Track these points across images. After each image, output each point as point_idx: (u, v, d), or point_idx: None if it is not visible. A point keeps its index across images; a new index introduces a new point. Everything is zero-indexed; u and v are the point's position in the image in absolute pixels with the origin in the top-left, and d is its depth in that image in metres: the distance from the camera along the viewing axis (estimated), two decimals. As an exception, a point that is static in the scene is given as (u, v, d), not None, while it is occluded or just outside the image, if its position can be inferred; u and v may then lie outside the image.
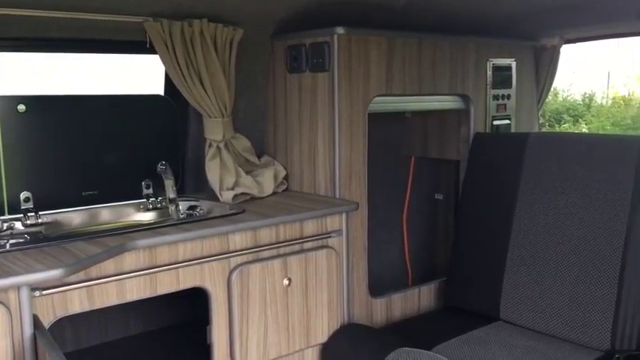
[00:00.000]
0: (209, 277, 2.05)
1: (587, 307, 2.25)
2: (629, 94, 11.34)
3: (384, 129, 3.06)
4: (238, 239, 2.12)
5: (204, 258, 2.03)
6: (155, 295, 1.94)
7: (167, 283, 1.96)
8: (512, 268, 2.50)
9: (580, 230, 2.32)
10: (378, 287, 2.68)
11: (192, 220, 2.19)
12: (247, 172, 2.58)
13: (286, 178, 2.68)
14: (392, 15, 2.63)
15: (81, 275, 1.76)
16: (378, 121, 2.67)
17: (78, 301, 1.78)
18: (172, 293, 1.99)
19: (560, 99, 11.22)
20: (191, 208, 2.46)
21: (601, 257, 2.25)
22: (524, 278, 2.45)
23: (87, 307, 1.81)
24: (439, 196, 3.33)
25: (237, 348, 2.10)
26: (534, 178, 2.52)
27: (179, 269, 1.97)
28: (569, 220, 2.35)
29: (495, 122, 3.05)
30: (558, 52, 3.27)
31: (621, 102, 11.10)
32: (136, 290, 1.90)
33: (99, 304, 1.83)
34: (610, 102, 10.95)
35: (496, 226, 2.60)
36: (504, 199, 2.59)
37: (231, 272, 2.09)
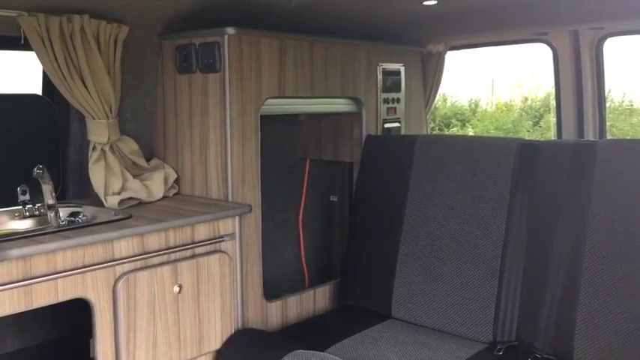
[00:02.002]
0: (92, 287, 1.93)
1: (471, 302, 2.35)
2: (510, 101, 12.08)
3: (279, 131, 3.06)
4: (124, 246, 2.02)
5: (87, 267, 1.91)
6: (31, 308, 1.81)
7: (44, 295, 1.82)
8: (402, 267, 2.57)
9: (463, 229, 2.42)
10: (274, 290, 2.66)
11: (72, 227, 2.06)
12: (135, 176, 2.47)
13: (177, 181, 2.60)
14: (283, 17, 2.63)
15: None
16: (272, 123, 2.66)
17: (-61, 318, 1.62)
18: (52, 305, 1.86)
19: (449, 104, 11.76)
20: (73, 214, 2.31)
21: (483, 254, 2.36)
22: (414, 277, 2.53)
23: None
24: (334, 198, 3.36)
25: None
26: (423, 178, 2.60)
27: (58, 280, 1.85)
28: (454, 219, 2.45)
29: (386, 125, 3.14)
30: (443, 59, 3.41)
31: (503, 108, 11.81)
32: (8, 304, 1.75)
33: None
34: (494, 108, 11.62)
35: (387, 226, 2.66)
36: (395, 200, 2.66)
37: (116, 281, 1.98)
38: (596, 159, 2.17)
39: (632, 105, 8.88)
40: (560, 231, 2.20)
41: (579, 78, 3.06)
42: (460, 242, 2.42)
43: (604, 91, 3.08)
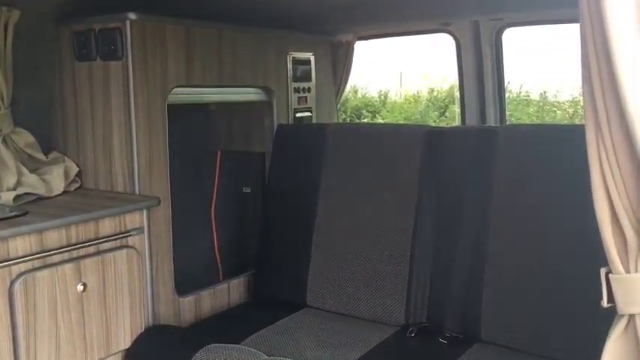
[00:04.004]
0: None
1: (383, 287, 2.39)
2: (417, 92, 12.45)
3: (189, 123, 2.97)
4: (20, 244, 1.88)
5: None
6: None
7: None
8: (316, 255, 2.58)
9: (374, 215, 2.46)
10: (188, 285, 2.59)
11: None
12: (32, 171, 2.32)
13: (79, 175, 2.47)
14: (189, 2, 2.55)
15: None
16: (182, 114, 2.58)
17: None
18: None
19: (360, 96, 11.95)
20: (-39, 213, 2.14)
21: (393, 240, 2.40)
22: (327, 264, 2.54)
23: None
24: (247, 190, 3.32)
25: (24, 366, 1.87)
26: (334, 166, 2.62)
27: None
28: (365, 206, 2.49)
29: (298, 115, 3.13)
30: (352, 48, 3.45)
31: (411, 99, 12.15)
32: None
33: None
34: (402, 99, 11.93)
35: (300, 216, 2.66)
36: (307, 189, 2.66)
37: (12, 282, 1.85)
38: (498, 143, 2.26)
39: (529, 96, 9.40)
40: (466, 215, 2.28)
41: (480, 67, 3.19)
42: (371, 229, 2.45)
43: (504, 79, 3.23)
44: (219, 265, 3.28)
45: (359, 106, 11.32)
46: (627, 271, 1.14)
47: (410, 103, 12.16)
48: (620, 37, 1.03)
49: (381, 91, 12.24)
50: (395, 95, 12.67)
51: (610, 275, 1.18)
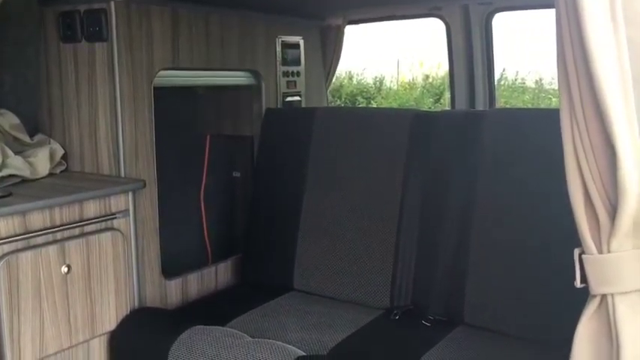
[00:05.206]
0: None
1: (369, 270, 2.40)
2: (412, 79, 12.41)
3: (178, 106, 2.96)
4: (3, 226, 1.88)
5: None
6: None
7: None
8: (303, 239, 2.58)
9: (361, 199, 2.46)
10: (176, 268, 2.59)
11: None
12: (17, 153, 2.30)
13: (65, 157, 2.46)
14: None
15: None
16: (170, 97, 2.57)
17: None
18: None
19: (355, 82, 11.92)
20: (-57, 194, 2.14)
21: (380, 222, 2.41)
22: (314, 248, 2.55)
23: None
24: (237, 174, 3.32)
25: (7, 347, 1.87)
26: (322, 150, 2.62)
27: None
28: (351, 189, 2.49)
29: (287, 99, 3.12)
30: (342, 32, 3.43)
31: (407, 86, 12.12)
32: None
33: None
34: (397, 86, 11.91)
35: (288, 200, 2.66)
36: (295, 173, 2.66)
37: None
38: (485, 127, 2.26)
39: (524, 83, 9.38)
40: (452, 199, 2.29)
41: (470, 51, 3.18)
42: (358, 212, 2.46)
43: (493, 64, 3.22)
44: (209, 248, 3.29)
45: (354, 92, 11.29)
46: (600, 252, 1.15)
47: (405, 90, 12.13)
48: (593, 22, 1.03)
49: (376, 77, 12.21)
50: (390, 82, 12.63)
51: (583, 256, 1.19)
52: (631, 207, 1.05)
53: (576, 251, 1.20)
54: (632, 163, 1.02)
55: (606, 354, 1.15)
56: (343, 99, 10.98)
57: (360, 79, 12.43)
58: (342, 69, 11.71)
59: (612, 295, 1.14)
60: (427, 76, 11.21)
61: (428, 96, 10.55)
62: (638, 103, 1.04)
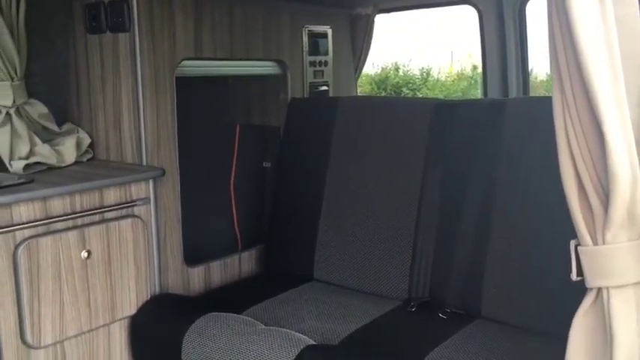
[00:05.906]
0: None
1: (387, 261, 2.37)
2: (461, 70, 12.19)
3: (207, 96, 2.99)
4: (24, 210, 1.95)
5: None
6: None
7: None
8: (324, 230, 2.57)
9: (380, 189, 2.43)
10: (203, 256, 2.63)
11: None
12: (46, 141, 2.38)
13: (92, 146, 2.53)
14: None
15: None
16: (199, 87, 2.59)
17: None
18: None
19: (401, 73, 11.79)
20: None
21: (399, 214, 2.37)
22: (334, 238, 2.53)
23: None
24: (267, 164, 3.33)
25: (27, 328, 1.95)
26: (344, 140, 2.59)
27: None
28: (371, 180, 2.46)
29: (314, 89, 3.10)
30: (372, 21, 3.38)
31: (455, 77, 11.91)
32: None
33: None
34: (444, 77, 11.73)
35: (310, 190, 2.65)
36: (317, 163, 2.64)
37: (17, 247, 1.92)
38: (505, 117, 2.19)
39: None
40: (471, 189, 2.22)
41: (503, 39, 3.08)
42: (377, 202, 2.43)
43: (527, 52, 3.11)
44: (239, 236, 3.32)
45: (399, 84, 11.18)
46: (595, 243, 1.10)
47: (453, 81, 11.93)
48: (581, 3, 0.97)
49: (423, 68, 12.05)
50: (438, 73, 12.45)
51: (578, 248, 1.13)
52: (623, 193, 0.99)
53: (572, 243, 1.15)
54: (621, 146, 0.96)
55: (601, 348, 1.10)
56: (389, 90, 10.89)
57: (407, 70, 12.29)
58: (388, 60, 11.59)
59: (607, 288, 1.08)
60: (475, 67, 10.99)
61: (475, 87, 10.34)
62: (630, 83, 0.98)
